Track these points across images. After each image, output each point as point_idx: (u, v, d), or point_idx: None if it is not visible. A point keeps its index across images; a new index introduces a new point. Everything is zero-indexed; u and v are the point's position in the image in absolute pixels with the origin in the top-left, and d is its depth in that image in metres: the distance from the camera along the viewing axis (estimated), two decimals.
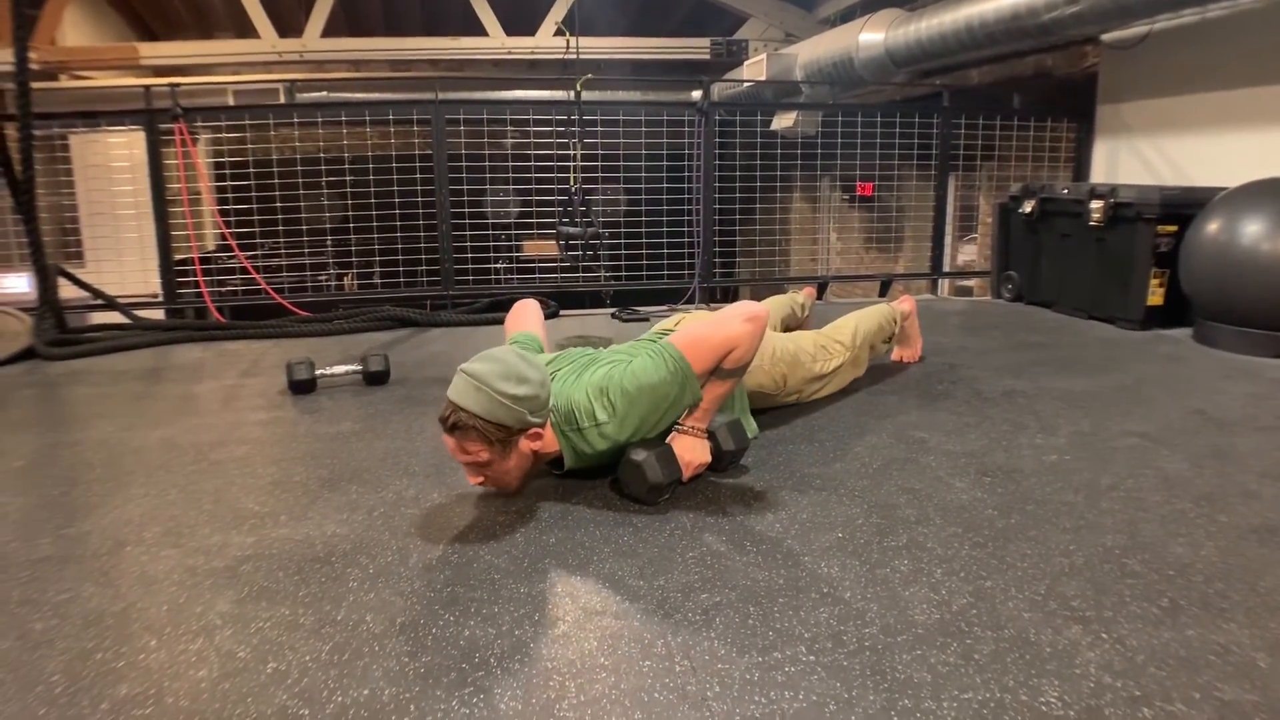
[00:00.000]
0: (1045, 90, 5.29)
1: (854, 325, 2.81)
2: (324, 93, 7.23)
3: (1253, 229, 3.37)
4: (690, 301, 4.47)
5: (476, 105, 4.73)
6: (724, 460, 1.99)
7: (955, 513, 1.81)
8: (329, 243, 4.97)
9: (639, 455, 1.77)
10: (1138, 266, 3.86)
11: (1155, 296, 3.86)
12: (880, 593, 1.46)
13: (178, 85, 4.42)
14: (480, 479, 1.77)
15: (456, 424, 1.70)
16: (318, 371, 2.82)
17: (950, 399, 2.70)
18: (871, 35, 5.37)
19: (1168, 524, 1.78)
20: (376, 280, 4.79)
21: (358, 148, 4.73)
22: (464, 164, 4.53)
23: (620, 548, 1.64)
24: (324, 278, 4.95)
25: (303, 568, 1.57)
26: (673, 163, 4.60)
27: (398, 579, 1.52)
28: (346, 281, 5.85)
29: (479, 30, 7.43)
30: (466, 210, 4.51)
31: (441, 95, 4.60)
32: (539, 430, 1.78)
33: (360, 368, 2.89)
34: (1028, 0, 4.08)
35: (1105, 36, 4.56)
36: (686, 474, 1.88)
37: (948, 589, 1.48)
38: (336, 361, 2.96)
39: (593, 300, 4.50)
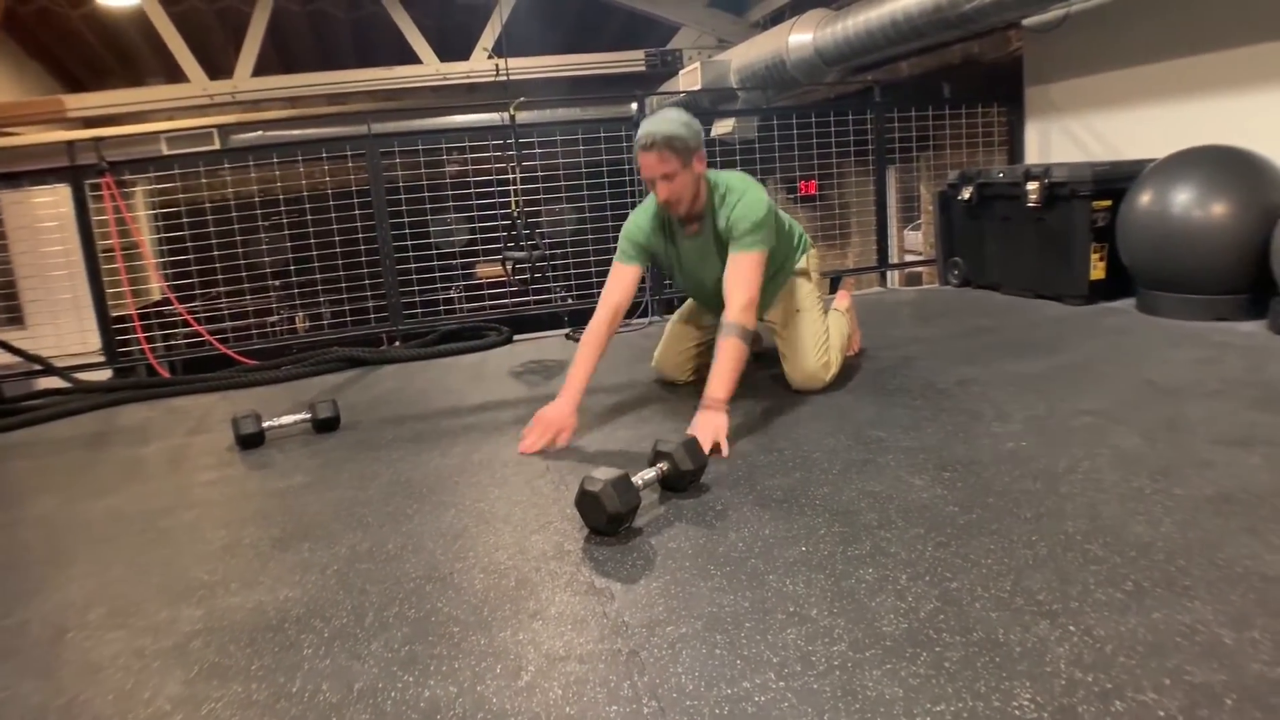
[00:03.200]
0: (975, 77, 5.37)
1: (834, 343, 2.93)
2: (259, 133, 7.11)
3: (1183, 198, 3.44)
4: (645, 315, 4.45)
5: (410, 136, 4.67)
6: (684, 480, 1.96)
7: (917, 513, 1.80)
8: (273, 286, 4.88)
9: (596, 485, 1.74)
10: (1077, 243, 3.92)
11: (1097, 270, 3.93)
12: (847, 606, 1.44)
13: (102, 139, 4.30)
14: (667, 193, 2.51)
15: (654, 142, 2.44)
16: (265, 424, 2.75)
17: (905, 393, 2.70)
18: (800, 36, 5.41)
19: (1126, 503, 1.79)
20: (325, 321, 4.71)
21: (294, 188, 4.65)
22: (403, 195, 4.47)
23: (581, 585, 1.60)
24: (271, 322, 4.86)
25: (255, 638, 1.51)
26: (615, 179, 4.58)
27: (354, 641, 1.47)
28: (298, 324, 5.75)
29: (413, 59, 7.37)
30: (409, 242, 4.46)
31: (375, 128, 4.54)
32: (703, 156, 2.54)
33: (309, 416, 2.83)
34: None
35: (1026, 21, 4.64)
36: (707, 448, 2.13)
37: (914, 595, 1.47)
38: (285, 411, 2.89)
39: (548, 322, 4.45)
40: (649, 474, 1.91)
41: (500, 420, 2.79)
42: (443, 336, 4.37)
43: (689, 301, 3.17)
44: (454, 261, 4.85)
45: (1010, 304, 4.16)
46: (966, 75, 5.39)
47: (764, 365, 3.14)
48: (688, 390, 2.95)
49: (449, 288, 4.79)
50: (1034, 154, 4.99)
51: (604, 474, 1.75)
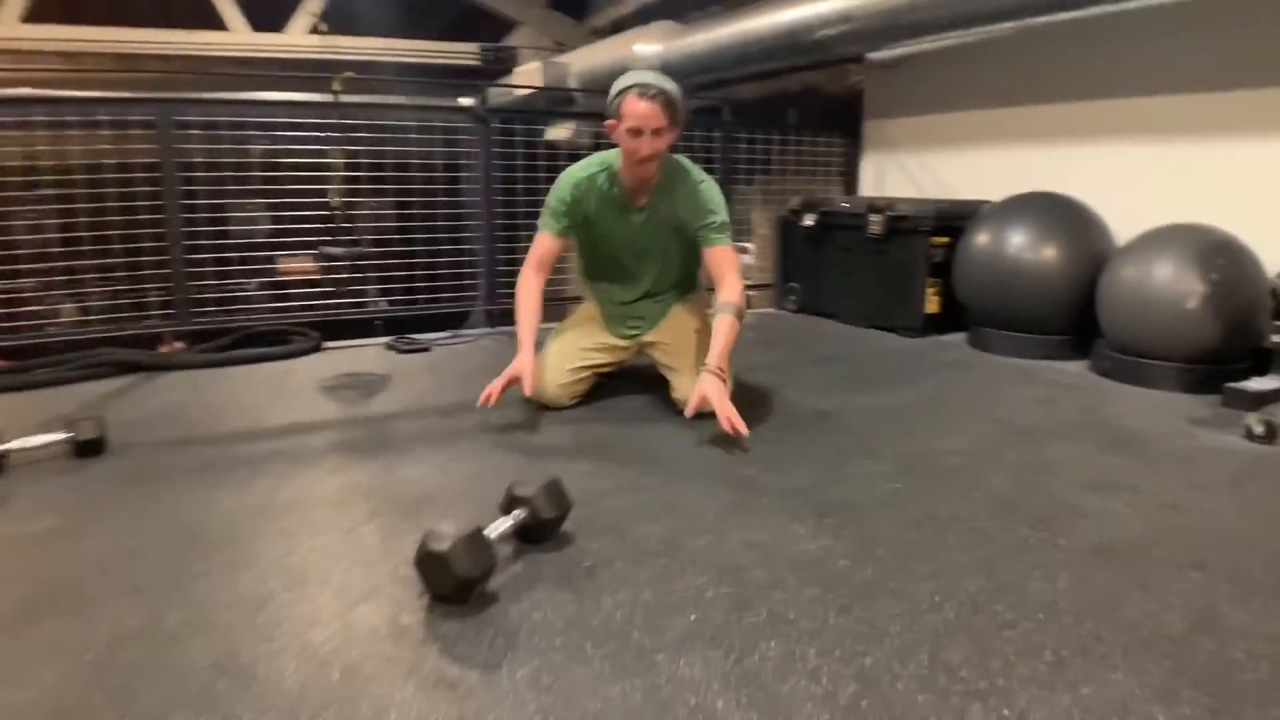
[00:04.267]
0: (813, 106, 5.44)
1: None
2: (26, 90, 6.05)
3: (1017, 240, 3.56)
4: (475, 326, 4.09)
5: (213, 106, 4.07)
6: (545, 530, 1.67)
7: (808, 568, 1.61)
8: (31, 270, 4.06)
9: (442, 543, 1.41)
10: (915, 277, 3.98)
11: (932, 305, 4.01)
12: (757, 695, 1.21)
13: None
14: (652, 149, 2.41)
15: (660, 92, 2.37)
16: (4, 445, 2.17)
17: (767, 426, 2.54)
18: (647, 48, 5.28)
19: (1017, 555, 1.69)
20: (93, 317, 3.98)
21: (64, 156, 3.90)
22: (200, 175, 3.87)
23: (427, 675, 1.27)
24: (27, 314, 4.04)
25: None
26: (449, 174, 4.20)
27: None
28: (61, 318, 4.86)
29: (219, 24, 6.58)
30: (204, 229, 3.85)
31: (171, 94, 3.91)
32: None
33: (66, 436, 2.27)
34: (803, 16, 4.12)
35: (870, 56, 4.72)
36: (722, 417, 2.27)
37: (829, 676, 1.26)
38: (34, 428, 2.30)
39: (364, 329, 3.97)
40: (504, 525, 1.60)
41: (311, 447, 2.36)
42: (240, 340, 3.79)
43: (584, 309, 2.89)
44: (257, 254, 4.27)
45: (849, 333, 4.18)
46: (805, 104, 5.45)
47: (617, 390, 2.89)
48: (553, 415, 2.64)
49: (248, 283, 4.20)
50: (868, 186, 5.10)
51: (451, 529, 1.43)
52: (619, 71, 5.67)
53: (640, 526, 1.80)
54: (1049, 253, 3.49)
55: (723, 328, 2.46)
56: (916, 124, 4.72)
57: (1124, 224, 3.51)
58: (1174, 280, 3.00)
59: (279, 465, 2.19)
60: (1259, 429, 2.45)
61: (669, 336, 2.76)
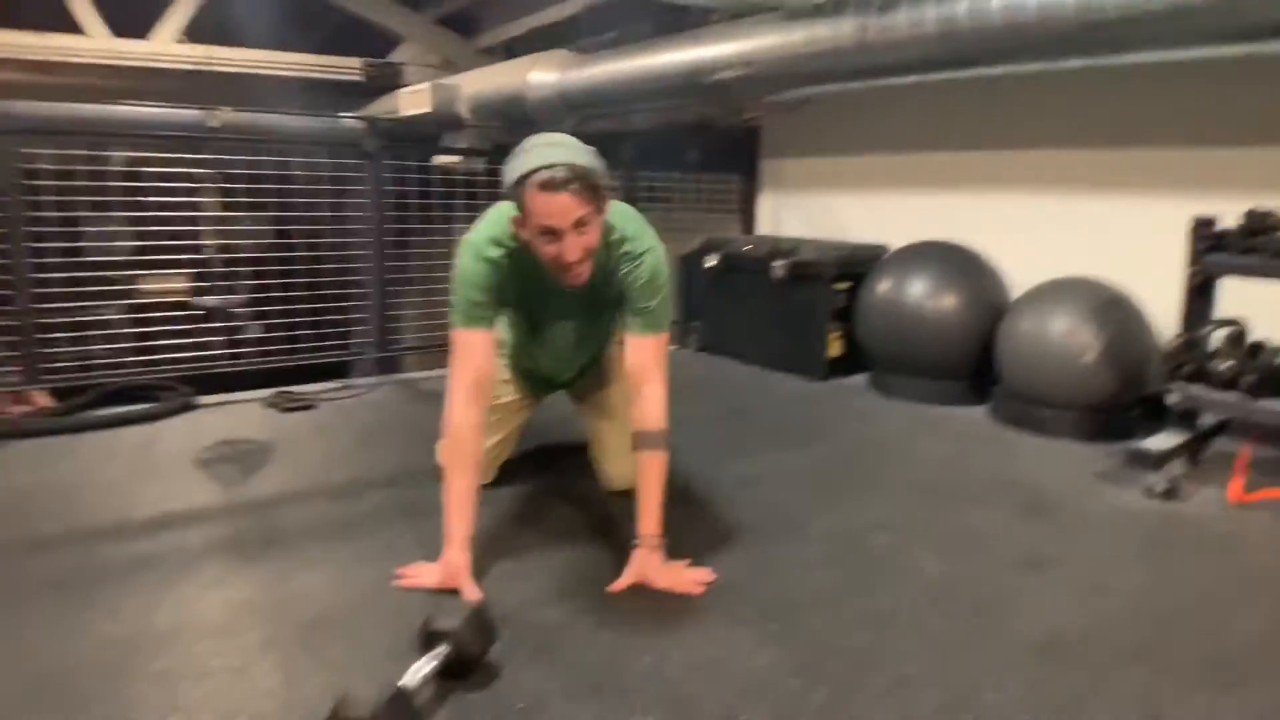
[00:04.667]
0: (710, 142, 5.41)
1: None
2: None
3: (918, 288, 3.60)
4: (364, 375, 3.82)
5: (61, 120, 3.66)
6: (471, 666, 1.50)
7: (758, 693, 1.51)
8: None
9: (360, 711, 1.22)
10: (818, 321, 3.99)
11: (835, 349, 4.03)
12: None
13: None
14: (580, 251, 1.82)
15: (572, 176, 1.75)
16: None
17: (688, 504, 2.41)
18: (543, 75, 5.12)
19: (965, 656, 1.65)
20: None
21: None
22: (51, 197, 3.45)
23: None
24: None
25: None
26: (336, 213, 3.92)
27: None
28: None
29: (74, 28, 5.98)
30: (57, 259, 3.44)
31: (16, 106, 3.48)
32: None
33: None
34: (705, 57, 4.07)
35: (770, 97, 4.73)
36: (663, 584, 1.88)
37: None
38: None
39: (241, 381, 3.62)
40: (426, 668, 1.42)
41: (188, 548, 2.08)
42: (99, 398, 3.39)
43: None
44: (117, 288, 3.87)
45: (754, 377, 4.15)
46: (702, 140, 5.42)
47: (522, 469, 2.72)
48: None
49: (108, 318, 3.80)
50: (765, 225, 5.11)
51: (368, 695, 1.24)
52: (514, 100, 5.59)
53: (574, 648, 1.65)
54: (948, 301, 3.55)
55: (650, 473, 1.96)
56: (814, 165, 4.76)
57: (1017, 273, 3.62)
58: (1071, 334, 3.09)
59: (152, 575, 1.92)
60: (1160, 487, 2.53)
61: (592, 389, 2.52)
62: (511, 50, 6.64)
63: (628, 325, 2.04)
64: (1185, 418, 2.71)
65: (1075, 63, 2.91)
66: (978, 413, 3.48)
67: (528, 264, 1.96)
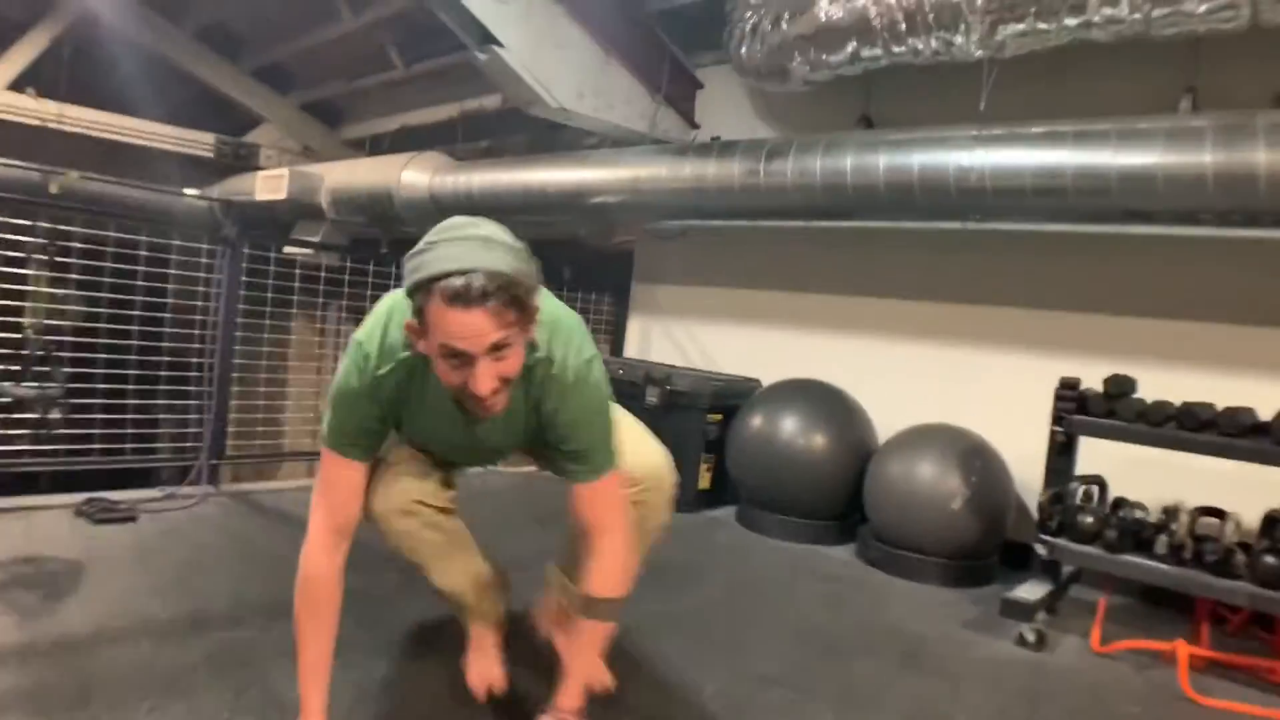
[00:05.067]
0: (583, 260, 5.42)
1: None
2: None
3: (789, 425, 3.66)
4: (196, 482, 3.38)
5: None
6: None
7: None
8: None
9: None
10: (691, 453, 3.96)
11: (705, 480, 4.00)
12: None
13: None
14: (494, 380, 1.41)
15: (492, 288, 1.34)
16: None
17: (553, 664, 2.24)
18: (416, 175, 4.98)
19: None
20: None
21: None
22: None
23: None
24: None
25: None
26: (179, 300, 3.54)
27: None
28: None
29: None
30: None
31: None
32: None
33: None
34: (592, 179, 4.11)
35: (647, 226, 4.82)
36: None
37: None
38: None
39: (48, 483, 3.09)
40: None
41: None
42: None
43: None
44: None
45: None
46: (574, 258, 5.42)
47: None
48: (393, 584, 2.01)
49: None
50: (633, 348, 5.11)
51: None
52: (381, 197, 5.38)
53: None
54: (819, 440, 3.61)
55: (592, 640, 1.69)
56: (687, 293, 4.84)
57: (884, 415, 3.75)
58: (938, 481, 3.20)
59: None
60: (1030, 636, 2.60)
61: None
62: (377, 145, 6.48)
63: (566, 473, 1.66)
64: (1048, 567, 2.84)
65: (953, 224, 3.13)
66: (844, 553, 3.51)
67: (423, 385, 1.59)
